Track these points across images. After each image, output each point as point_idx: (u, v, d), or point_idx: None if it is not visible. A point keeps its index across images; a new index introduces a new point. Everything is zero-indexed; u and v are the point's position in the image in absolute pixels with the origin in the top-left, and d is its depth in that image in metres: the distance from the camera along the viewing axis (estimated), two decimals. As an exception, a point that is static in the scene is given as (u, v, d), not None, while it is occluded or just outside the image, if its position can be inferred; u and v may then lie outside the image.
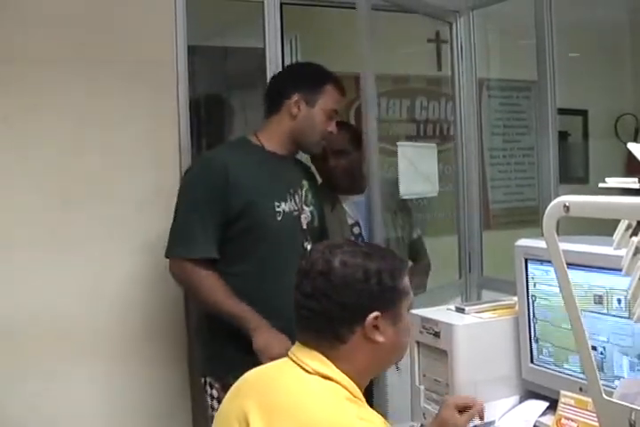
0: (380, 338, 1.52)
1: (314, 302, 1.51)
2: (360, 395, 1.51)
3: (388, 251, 1.61)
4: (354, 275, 1.49)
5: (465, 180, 3.41)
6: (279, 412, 1.44)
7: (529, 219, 3.50)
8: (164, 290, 2.82)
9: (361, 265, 1.50)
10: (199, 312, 2.71)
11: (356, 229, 3.10)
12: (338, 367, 1.50)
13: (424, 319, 2.17)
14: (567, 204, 1.08)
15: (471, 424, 1.97)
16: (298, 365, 1.52)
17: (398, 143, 3.00)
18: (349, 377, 1.50)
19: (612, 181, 1.13)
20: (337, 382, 1.48)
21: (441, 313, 2.21)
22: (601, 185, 1.13)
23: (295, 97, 2.58)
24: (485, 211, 3.68)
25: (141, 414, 2.82)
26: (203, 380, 2.62)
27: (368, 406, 1.49)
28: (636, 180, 1.10)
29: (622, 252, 1.10)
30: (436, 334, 2.11)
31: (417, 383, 2.22)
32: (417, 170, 2.99)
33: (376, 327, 1.52)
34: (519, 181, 3.87)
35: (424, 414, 2.20)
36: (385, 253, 1.58)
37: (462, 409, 1.88)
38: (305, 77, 2.64)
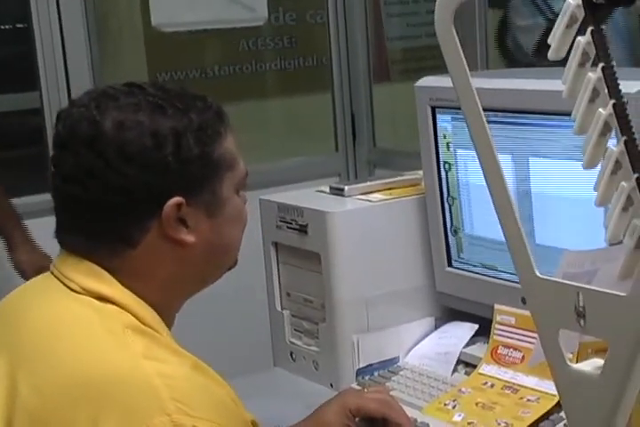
0: (188, 237, 1.18)
1: (78, 186, 1.16)
2: (157, 322, 1.19)
3: (196, 98, 1.21)
4: (137, 141, 1.15)
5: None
6: (27, 358, 1.16)
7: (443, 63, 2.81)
8: None
9: (147, 125, 1.15)
10: None
11: None
12: (123, 284, 1.18)
13: (283, 208, 1.75)
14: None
15: None
16: (61, 282, 1.21)
17: None
18: (143, 297, 1.19)
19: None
20: (117, 304, 1.18)
21: (308, 197, 1.81)
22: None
23: None
24: (380, 53, 2.99)
25: None
26: None
27: (170, 338, 1.18)
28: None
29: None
30: (303, 230, 1.72)
31: (278, 307, 1.84)
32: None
33: (181, 221, 1.17)
34: (428, 6, 3.03)
35: (292, 353, 1.82)
36: (190, 101, 1.19)
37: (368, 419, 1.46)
38: None
